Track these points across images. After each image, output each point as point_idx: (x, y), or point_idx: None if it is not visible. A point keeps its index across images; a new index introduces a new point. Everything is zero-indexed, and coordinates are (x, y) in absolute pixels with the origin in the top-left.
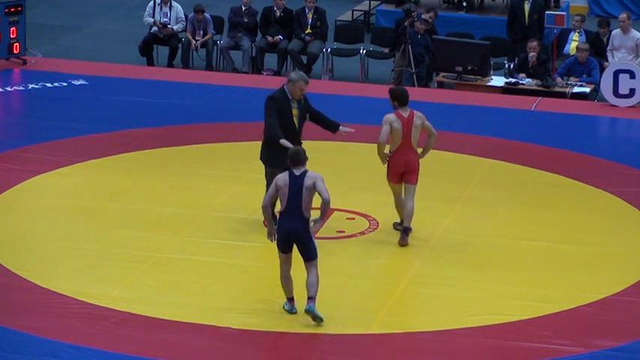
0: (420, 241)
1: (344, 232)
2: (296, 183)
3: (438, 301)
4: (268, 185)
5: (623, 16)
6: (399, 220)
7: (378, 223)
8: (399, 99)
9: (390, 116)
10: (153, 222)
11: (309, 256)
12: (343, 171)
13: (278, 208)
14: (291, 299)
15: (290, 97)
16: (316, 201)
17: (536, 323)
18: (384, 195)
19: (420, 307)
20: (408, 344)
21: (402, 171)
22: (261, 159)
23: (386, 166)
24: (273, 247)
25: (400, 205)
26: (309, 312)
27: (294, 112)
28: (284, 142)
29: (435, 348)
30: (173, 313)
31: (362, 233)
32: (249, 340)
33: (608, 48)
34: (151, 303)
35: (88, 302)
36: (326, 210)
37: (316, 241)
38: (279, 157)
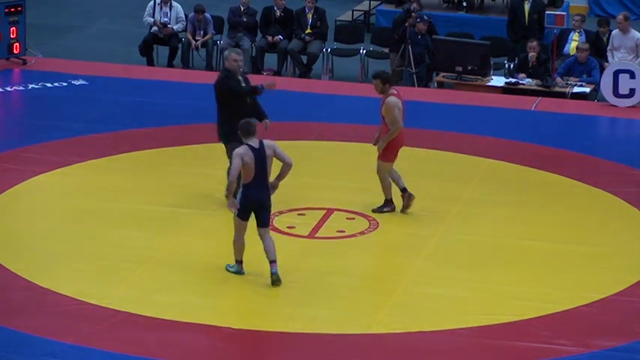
0: (420, 241)
1: (344, 232)
2: (259, 155)
3: (438, 301)
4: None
5: (619, 17)
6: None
7: (378, 223)
8: (390, 80)
9: (394, 99)
10: (153, 222)
11: (267, 222)
12: (343, 171)
13: None
14: (240, 261)
15: (235, 75)
16: None
17: (536, 323)
18: (383, 195)
19: (420, 307)
20: (408, 344)
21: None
22: (220, 136)
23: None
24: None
25: (392, 180)
26: (275, 274)
27: (242, 88)
28: (267, 84)
29: (435, 348)
30: (173, 313)
31: (362, 233)
32: (249, 340)
33: (608, 48)
34: (151, 303)
35: (88, 302)
36: (287, 172)
37: (316, 241)
38: (234, 130)
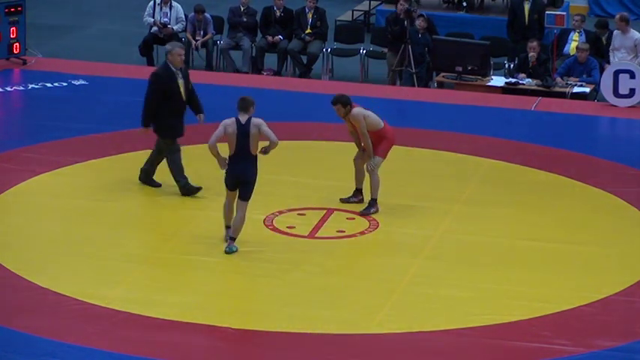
0: (420, 241)
1: (344, 232)
2: (242, 129)
3: (438, 301)
4: (168, 157)
5: (616, 18)
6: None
7: (378, 223)
8: (350, 102)
9: (356, 110)
10: (152, 222)
11: (246, 196)
12: (343, 171)
13: None
14: (228, 227)
15: (174, 69)
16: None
17: (536, 323)
18: (383, 196)
19: (420, 307)
20: (408, 344)
21: None
22: (155, 131)
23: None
24: (272, 247)
25: (358, 173)
26: (227, 250)
27: (180, 82)
28: (142, 130)
29: (435, 348)
30: (173, 313)
31: (362, 233)
32: (249, 340)
33: (610, 48)
34: (151, 303)
35: (88, 302)
36: (273, 147)
37: (316, 241)
38: (176, 128)
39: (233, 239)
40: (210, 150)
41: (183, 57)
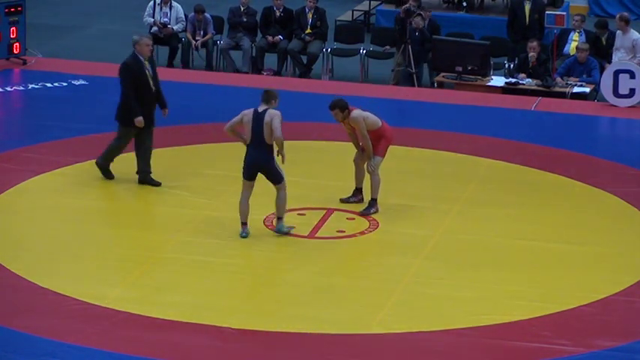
0: (420, 241)
1: (344, 232)
2: (257, 118)
3: (438, 301)
4: (117, 139)
5: (617, 17)
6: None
7: (378, 223)
8: (347, 106)
9: (356, 112)
10: (153, 222)
11: (275, 180)
12: (343, 171)
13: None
14: (244, 224)
15: (142, 60)
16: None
17: (536, 323)
18: (384, 196)
19: (420, 307)
20: (408, 344)
21: None
22: (117, 118)
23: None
24: (272, 247)
25: (358, 172)
26: (277, 232)
27: (148, 72)
28: (139, 121)
29: (435, 348)
30: (173, 313)
31: (362, 233)
32: (249, 340)
33: (614, 47)
34: (151, 303)
35: (88, 302)
36: (280, 144)
37: (316, 241)
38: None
39: (280, 218)
40: (227, 132)
41: (151, 47)
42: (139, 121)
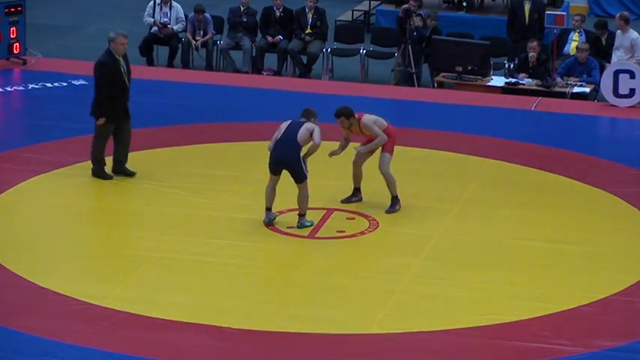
0: (420, 241)
1: (344, 232)
2: (297, 122)
3: (438, 301)
4: (97, 137)
5: (617, 17)
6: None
7: (378, 223)
8: (352, 113)
9: (366, 117)
10: (153, 222)
11: (299, 179)
12: (343, 171)
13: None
14: (268, 209)
15: (117, 57)
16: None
17: (536, 323)
18: (384, 196)
19: (420, 307)
20: (408, 344)
21: None
22: (92, 114)
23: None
24: (272, 247)
25: (359, 174)
26: (299, 227)
27: (122, 70)
28: (101, 121)
29: (435, 348)
30: (173, 313)
31: (362, 233)
32: (249, 340)
33: (614, 47)
34: (151, 303)
35: (88, 302)
36: (313, 151)
37: (316, 241)
38: (113, 113)
39: (302, 215)
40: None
41: (126, 45)
42: (102, 121)
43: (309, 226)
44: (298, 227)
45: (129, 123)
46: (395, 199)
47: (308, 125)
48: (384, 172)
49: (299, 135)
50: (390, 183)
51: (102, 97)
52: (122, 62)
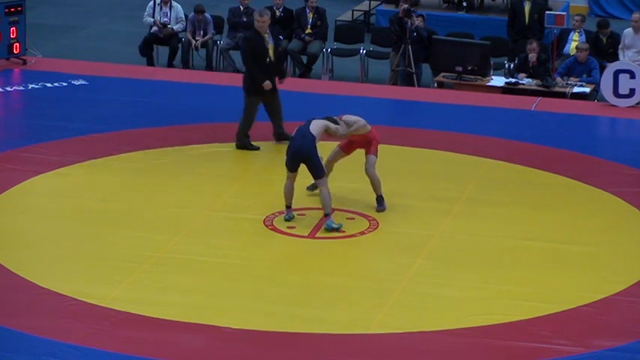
0: (420, 241)
1: (344, 232)
2: (315, 119)
3: (438, 301)
4: (247, 112)
5: (635, 16)
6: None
7: (378, 223)
8: (337, 121)
9: (348, 118)
10: (153, 222)
11: (317, 174)
12: (343, 171)
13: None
14: (288, 207)
15: (263, 34)
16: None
17: (536, 323)
18: (384, 196)
19: (420, 307)
20: (408, 344)
21: None
22: (244, 89)
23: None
24: (272, 247)
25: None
26: (326, 229)
27: (269, 46)
28: (267, 84)
29: (435, 348)
30: (173, 313)
31: (362, 233)
32: (249, 340)
33: (620, 47)
34: (151, 303)
35: (88, 302)
36: (334, 132)
37: (316, 241)
38: (258, 87)
39: (327, 215)
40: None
41: (266, 23)
42: (267, 84)
43: (336, 229)
44: (325, 229)
45: (277, 96)
46: (380, 198)
47: (325, 122)
48: (370, 174)
49: (312, 126)
50: (376, 184)
51: (250, 71)
52: (267, 38)
